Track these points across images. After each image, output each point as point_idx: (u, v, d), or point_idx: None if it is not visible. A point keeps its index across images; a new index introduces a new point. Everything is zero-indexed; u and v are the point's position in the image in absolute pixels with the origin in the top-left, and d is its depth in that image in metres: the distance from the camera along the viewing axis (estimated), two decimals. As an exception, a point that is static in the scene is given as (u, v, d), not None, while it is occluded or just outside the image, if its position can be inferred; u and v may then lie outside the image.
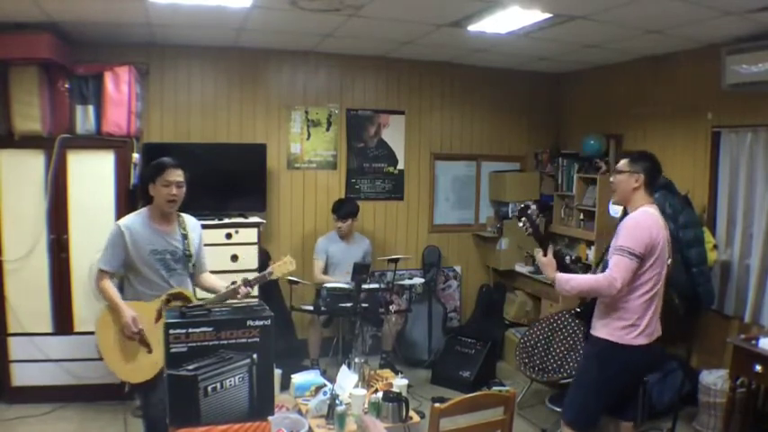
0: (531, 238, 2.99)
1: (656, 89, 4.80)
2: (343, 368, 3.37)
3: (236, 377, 2.26)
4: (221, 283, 3.14)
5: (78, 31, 4.17)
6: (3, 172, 3.97)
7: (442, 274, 5.76)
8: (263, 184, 4.87)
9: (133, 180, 4.21)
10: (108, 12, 3.75)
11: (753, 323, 4.01)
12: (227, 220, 4.49)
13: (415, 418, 3.06)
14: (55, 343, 4.08)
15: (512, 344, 4.98)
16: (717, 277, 4.19)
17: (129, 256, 2.88)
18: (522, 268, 5.55)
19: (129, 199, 4.14)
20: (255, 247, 4.48)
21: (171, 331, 2.19)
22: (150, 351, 2.84)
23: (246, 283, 2.91)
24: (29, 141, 3.94)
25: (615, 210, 4.30)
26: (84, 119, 4.17)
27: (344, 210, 4.84)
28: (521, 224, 2.90)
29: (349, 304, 4.11)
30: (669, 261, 2.85)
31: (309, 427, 2.82)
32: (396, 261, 4.54)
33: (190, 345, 2.20)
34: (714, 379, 3.81)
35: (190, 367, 2.19)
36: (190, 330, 2.21)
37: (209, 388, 2.22)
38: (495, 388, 4.49)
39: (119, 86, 4.19)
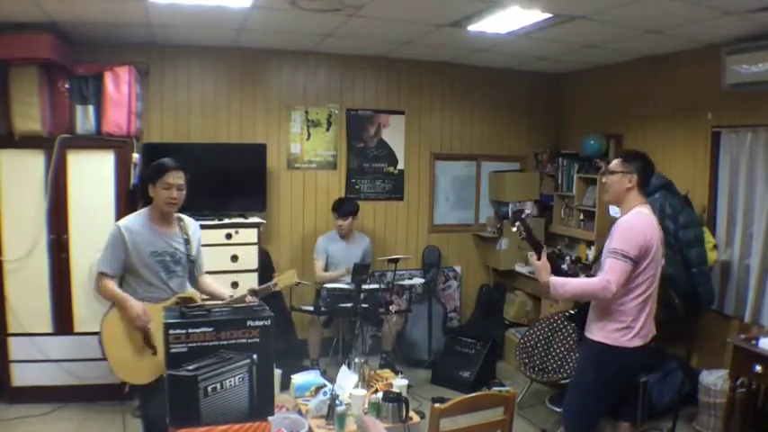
0: (535, 237, 3.00)
1: (656, 89, 4.80)
2: (343, 368, 3.37)
3: (236, 377, 2.26)
4: (224, 290, 3.12)
5: (78, 31, 4.17)
6: (3, 172, 3.97)
7: (442, 274, 5.76)
8: (263, 184, 4.86)
9: (133, 180, 4.21)
10: (108, 12, 3.75)
11: (753, 323, 4.00)
12: (227, 221, 4.48)
13: (415, 418, 3.06)
14: (55, 343, 4.08)
15: (512, 344, 4.98)
16: (717, 277, 4.19)
17: (129, 258, 2.86)
18: (522, 268, 5.55)
19: (129, 199, 4.14)
20: (255, 247, 4.48)
21: (171, 331, 2.19)
22: (155, 353, 2.83)
23: (253, 293, 2.89)
24: (29, 141, 3.94)
25: (615, 210, 4.27)
26: (84, 119, 4.17)
27: (345, 208, 4.84)
28: (514, 229, 2.90)
29: (349, 304, 4.11)
30: (663, 261, 2.84)
31: (309, 428, 2.81)
32: (396, 261, 4.54)
33: (190, 345, 2.20)
34: (714, 379, 3.81)
35: (190, 367, 2.19)
36: (190, 330, 2.21)
37: (209, 388, 2.22)
38: (495, 388, 4.49)
39: (119, 86, 4.19)
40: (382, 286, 4.72)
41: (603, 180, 2.94)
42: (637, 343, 2.71)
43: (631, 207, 2.75)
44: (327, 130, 5.32)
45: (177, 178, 2.89)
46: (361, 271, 4.20)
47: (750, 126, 4.01)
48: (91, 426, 3.85)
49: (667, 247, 3.88)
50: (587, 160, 5.28)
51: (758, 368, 3.24)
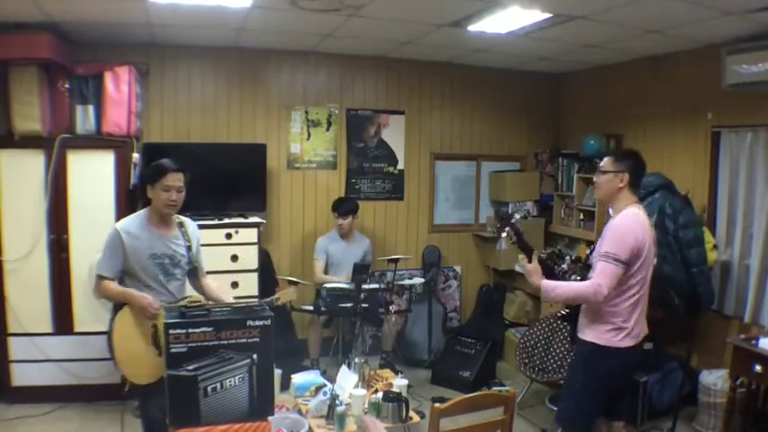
0: (525, 241, 3.00)
1: (656, 89, 4.80)
2: (343, 368, 3.37)
3: (236, 377, 2.26)
4: (227, 298, 3.11)
5: (78, 31, 4.17)
6: (3, 172, 3.97)
7: (442, 274, 5.76)
8: (263, 184, 4.86)
9: (133, 180, 4.21)
10: (108, 12, 3.75)
11: (753, 323, 4.00)
12: (227, 220, 4.48)
13: (415, 418, 3.06)
14: (55, 343, 4.08)
15: (512, 344, 4.98)
16: (717, 277, 4.19)
17: (127, 261, 2.82)
18: (521, 269, 5.53)
19: (129, 199, 4.14)
20: (255, 247, 4.48)
21: (171, 331, 2.19)
22: (160, 353, 2.81)
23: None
24: (29, 141, 3.94)
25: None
26: (84, 119, 4.17)
27: (345, 207, 4.84)
28: (504, 234, 2.90)
29: (349, 304, 4.11)
30: (655, 261, 2.84)
31: (309, 428, 2.81)
32: (396, 261, 4.53)
33: (190, 345, 2.20)
34: (714, 379, 3.81)
35: (190, 367, 2.19)
36: (190, 330, 2.21)
37: (209, 388, 2.22)
38: (495, 388, 4.49)
39: (119, 86, 4.19)
40: (382, 286, 4.71)
41: (594, 179, 2.92)
42: (628, 343, 2.71)
43: (623, 207, 2.74)
44: (327, 130, 5.32)
45: (177, 180, 2.85)
46: (361, 271, 4.20)
47: (750, 126, 4.01)
48: (91, 426, 3.85)
49: (667, 247, 3.89)
50: (587, 160, 5.28)
51: (758, 368, 3.24)
